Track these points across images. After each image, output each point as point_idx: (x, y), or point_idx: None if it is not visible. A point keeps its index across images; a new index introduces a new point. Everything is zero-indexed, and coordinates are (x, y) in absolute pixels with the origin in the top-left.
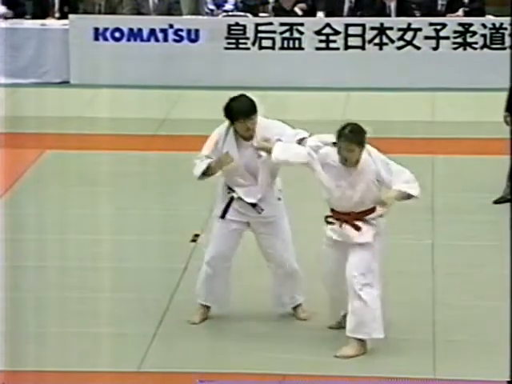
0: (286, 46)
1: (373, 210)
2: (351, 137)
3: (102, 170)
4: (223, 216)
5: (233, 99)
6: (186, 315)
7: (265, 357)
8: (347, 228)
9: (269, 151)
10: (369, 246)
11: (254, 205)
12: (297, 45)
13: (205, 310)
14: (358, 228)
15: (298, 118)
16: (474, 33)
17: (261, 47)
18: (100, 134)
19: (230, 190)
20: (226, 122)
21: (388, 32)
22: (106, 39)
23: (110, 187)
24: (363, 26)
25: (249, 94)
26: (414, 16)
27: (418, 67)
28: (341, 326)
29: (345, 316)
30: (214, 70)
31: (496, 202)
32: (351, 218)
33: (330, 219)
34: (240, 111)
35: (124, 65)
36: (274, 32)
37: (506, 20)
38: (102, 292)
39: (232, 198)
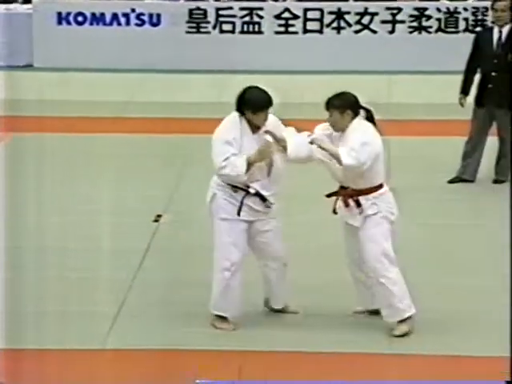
0: (246, 30)
1: (371, 189)
2: (328, 101)
3: (65, 153)
4: (239, 213)
5: (248, 91)
6: (149, 294)
7: (228, 334)
8: (346, 207)
9: (281, 144)
10: (373, 230)
11: (264, 200)
12: (256, 29)
13: (227, 319)
14: (347, 204)
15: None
16: (429, 17)
17: (221, 31)
18: (64, 116)
19: (236, 188)
20: (235, 113)
21: (345, 16)
22: (69, 23)
23: (74, 169)
24: (321, 10)
25: (209, 77)
26: (371, 0)
27: (374, 51)
28: (367, 311)
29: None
30: (176, 54)
31: (450, 181)
32: (351, 193)
33: (335, 194)
34: (262, 102)
35: (87, 48)
36: (234, 16)
37: (460, 4)
38: (66, 272)
39: (246, 195)
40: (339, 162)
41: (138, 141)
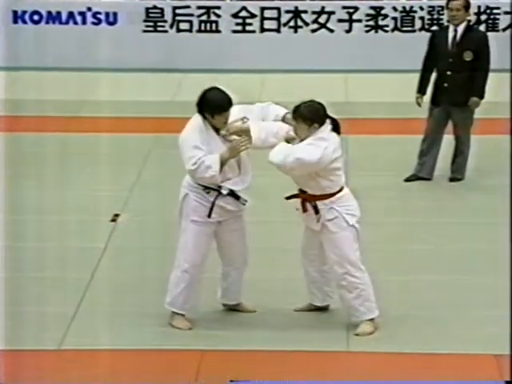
0: (203, 28)
1: (328, 195)
2: (297, 110)
3: (21, 152)
4: (209, 215)
5: (207, 93)
6: (107, 294)
7: (185, 334)
8: (304, 212)
9: (245, 132)
10: (333, 235)
11: (237, 197)
12: (214, 28)
13: (184, 318)
14: (305, 209)
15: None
16: (386, 16)
17: (178, 30)
18: (19, 115)
19: (209, 188)
20: (198, 116)
21: (302, 15)
22: (24, 22)
23: (29, 168)
24: (278, 9)
25: (166, 76)
26: None
27: (331, 49)
28: (310, 309)
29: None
30: (133, 53)
31: (407, 179)
32: (309, 197)
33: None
34: (220, 105)
35: (43, 47)
36: (191, 15)
37: (416, 3)
38: (22, 271)
39: (218, 195)
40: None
41: (95, 140)
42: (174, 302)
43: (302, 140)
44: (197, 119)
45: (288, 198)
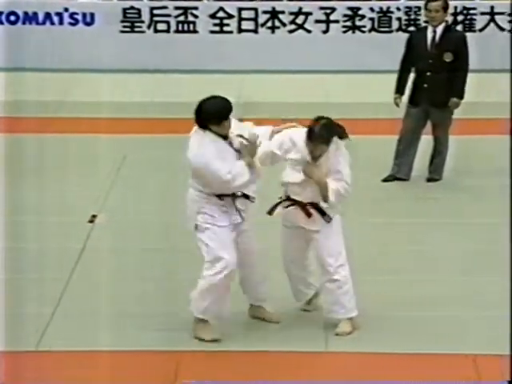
0: (180, 29)
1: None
2: (316, 134)
3: None
4: (242, 217)
5: (205, 103)
6: (84, 294)
7: (161, 335)
8: (300, 213)
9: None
10: (333, 229)
11: (247, 196)
12: (191, 28)
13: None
14: (309, 214)
15: (194, 99)
16: (363, 16)
17: (156, 30)
18: None
19: (220, 196)
20: (198, 130)
21: (280, 16)
22: (1, 22)
23: (7, 169)
24: (256, 9)
25: (145, 76)
26: (305, 0)
27: (309, 50)
28: (306, 309)
29: (310, 301)
30: (110, 53)
31: (385, 180)
32: (306, 205)
33: (284, 203)
34: (224, 112)
35: (20, 48)
36: (168, 15)
37: (392, 4)
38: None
39: (234, 198)
40: (324, 192)
41: (72, 141)
42: (200, 307)
43: (316, 156)
44: (199, 136)
45: (272, 208)
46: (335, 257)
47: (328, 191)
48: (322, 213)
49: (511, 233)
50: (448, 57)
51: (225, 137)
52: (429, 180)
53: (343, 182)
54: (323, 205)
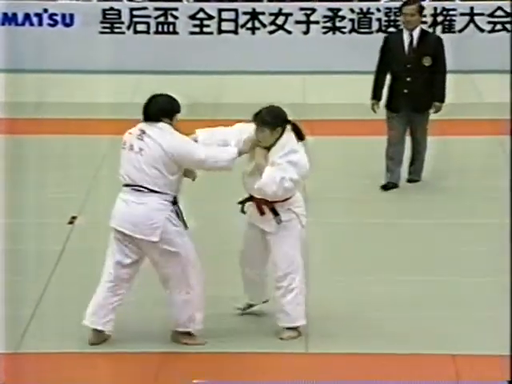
0: (160, 30)
1: (286, 199)
2: (259, 116)
3: None
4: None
5: (154, 101)
6: (64, 296)
7: (146, 337)
8: (255, 211)
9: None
10: (289, 233)
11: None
12: (171, 29)
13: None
14: (262, 212)
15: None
16: (343, 17)
17: (136, 31)
18: None
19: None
20: (166, 125)
21: (260, 17)
22: None
23: None
24: (236, 10)
25: (123, 77)
26: (285, 1)
27: (289, 51)
28: (248, 308)
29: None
30: (89, 55)
31: (384, 187)
32: (260, 202)
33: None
34: (178, 106)
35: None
36: (148, 16)
37: (372, 5)
38: None
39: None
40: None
41: (51, 142)
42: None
43: (267, 146)
44: (159, 125)
45: (241, 202)
46: (286, 263)
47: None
48: (276, 213)
49: (511, 234)
50: (427, 61)
51: None
52: (409, 181)
53: (282, 172)
54: (277, 205)
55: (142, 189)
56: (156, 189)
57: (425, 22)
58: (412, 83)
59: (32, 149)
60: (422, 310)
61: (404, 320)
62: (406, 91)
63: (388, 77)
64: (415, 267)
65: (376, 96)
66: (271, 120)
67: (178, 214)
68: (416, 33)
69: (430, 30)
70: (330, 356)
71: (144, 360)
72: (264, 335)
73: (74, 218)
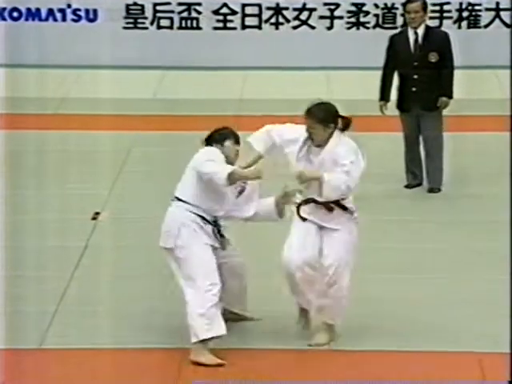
0: (184, 25)
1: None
2: (311, 112)
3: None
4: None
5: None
6: (87, 292)
7: (163, 332)
8: (319, 207)
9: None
10: (342, 234)
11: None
12: (195, 24)
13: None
14: (330, 208)
15: (197, 96)
16: (367, 13)
17: (159, 27)
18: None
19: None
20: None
21: (284, 12)
22: (4, 19)
23: (8, 166)
24: (259, 6)
25: (146, 73)
26: None
27: (313, 46)
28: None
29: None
30: (113, 50)
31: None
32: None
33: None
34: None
35: (22, 45)
36: (172, 12)
37: (397, 0)
38: (2, 270)
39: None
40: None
41: (75, 138)
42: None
43: (319, 144)
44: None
45: (299, 205)
46: (338, 264)
47: (323, 185)
48: (344, 207)
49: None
50: (433, 57)
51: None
52: (429, 191)
53: (342, 174)
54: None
55: (175, 198)
56: (184, 198)
57: (450, 18)
58: (419, 81)
59: (55, 145)
60: (445, 308)
61: (426, 318)
62: (414, 89)
63: (396, 77)
64: (433, 266)
65: (384, 97)
66: (324, 116)
67: (211, 232)
68: (421, 30)
69: (437, 25)
70: (353, 353)
71: (167, 355)
72: (289, 333)
73: (97, 213)
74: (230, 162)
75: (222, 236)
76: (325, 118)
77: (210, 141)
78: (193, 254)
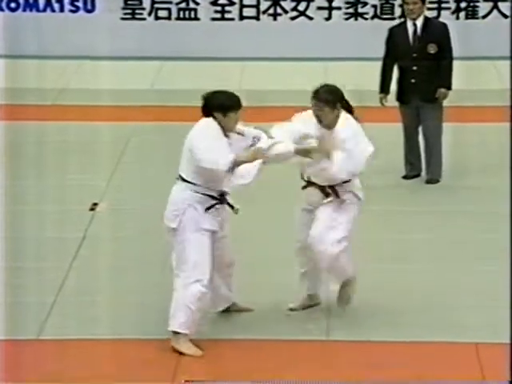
0: (182, 16)
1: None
2: (318, 94)
3: None
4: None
5: (215, 94)
6: (85, 283)
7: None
8: (316, 195)
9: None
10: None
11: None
12: (193, 15)
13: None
14: (327, 194)
15: (195, 87)
16: (365, 3)
17: (157, 17)
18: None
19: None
20: (207, 119)
21: (282, 3)
22: (1, 9)
23: (6, 157)
24: None
25: (145, 64)
26: None
27: (311, 37)
28: (303, 307)
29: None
30: (111, 41)
31: (406, 177)
32: (324, 186)
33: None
34: (235, 103)
35: (20, 35)
36: (170, 2)
37: None
38: (1, 261)
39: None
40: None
41: (73, 129)
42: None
43: (328, 125)
44: (207, 121)
45: (304, 187)
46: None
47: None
48: (337, 195)
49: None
50: (432, 48)
51: (226, 135)
52: (428, 182)
53: (345, 155)
54: (337, 187)
55: (179, 177)
56: (185, 177)
57: (448, 8)
58: (419, 72)
59: (53, 136)
60: (444, 298)
61: (425, 308)
62: (413, 81)
63: (396, 69)
64: (437, 256)
65: (384, 89)
66: (332, 98)
67: (210, 208)
68: (420, 21)
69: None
70: (351, 343)
71: (165, 346)
72: (285, 323)
73: (95, 204)
74: (228, 130)
75: (229, 205)
76: (332, 100)
77: (211, 107)
78: (188, 241)
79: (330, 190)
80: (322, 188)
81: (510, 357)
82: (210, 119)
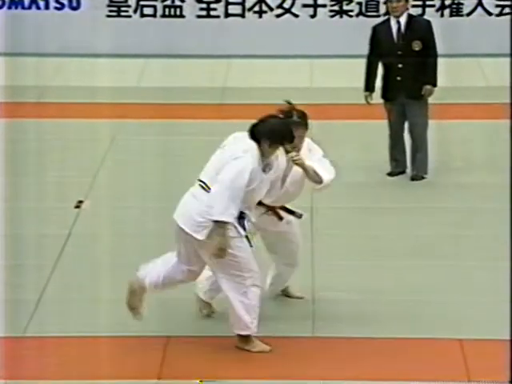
0: (167, 13)
1: None
2: (303, 124)
3: None
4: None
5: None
6: (70, 280)
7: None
8: (270, 220)
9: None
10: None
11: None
12: (178, 12)
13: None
14: (281, 218)
15: (180, 84)
16: (350, 1)
17: (142, 15)
18: None
19: None
20: (251, 143)
21: (267, 0)
22: None
23: None
24: None
25: (129, 61)
26: None
27: (296, 35)
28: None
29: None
30: (96, 38)
31: (390, 174)
32: (278, 209)
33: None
34: (285, 137)
35: (5, 33)
36: (155, 0)
37: None
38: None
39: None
40: (316, 179)
41: (58, 126)
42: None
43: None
44: (253, 148)
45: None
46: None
47: (317, 173)
48: (291, 211)
49: (511, 226)
50: (417, 45)
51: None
52: (413, 179)
53: (326, 162)
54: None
55: (204, 186)
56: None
57: (432, 6)
58: (404, 70)
59: (38, 133)
60: (428, 294)
61: (410, 304)
62: (398, 78)
63: (381, 67)
64: (421, 252)
65: (369, 88)
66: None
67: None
68: (403, 19)
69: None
70: (336, 340)
71: (149, 343)
72: (270, 320)
73: (80, 202)
74: (267, 158)
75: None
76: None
77: (267, 134)
78: (232, 248)
79: (284, 212)
80: (276, 213)
81: (510, 357)
82: (254, 144)
